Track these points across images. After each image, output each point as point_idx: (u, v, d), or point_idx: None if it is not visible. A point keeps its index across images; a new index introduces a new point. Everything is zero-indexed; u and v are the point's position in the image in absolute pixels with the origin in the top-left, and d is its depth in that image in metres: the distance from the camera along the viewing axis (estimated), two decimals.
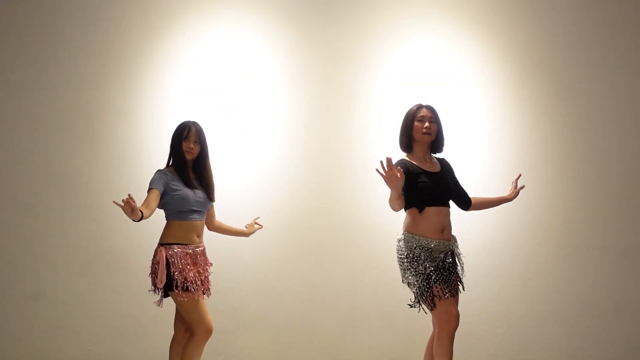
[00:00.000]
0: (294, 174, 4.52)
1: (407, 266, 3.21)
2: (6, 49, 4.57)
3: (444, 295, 3.15)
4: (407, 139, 3.37)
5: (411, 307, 3.25)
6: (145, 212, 3.12)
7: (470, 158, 4.49)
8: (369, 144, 4.51)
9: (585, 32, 4.57)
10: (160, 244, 3.32)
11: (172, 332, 3.46)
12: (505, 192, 3.69)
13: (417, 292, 3.17)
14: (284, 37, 4.62)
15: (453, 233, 3.38)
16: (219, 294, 4.41)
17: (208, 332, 3.31)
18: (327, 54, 4.60)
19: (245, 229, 3.81)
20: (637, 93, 4.53)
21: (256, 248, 4.47)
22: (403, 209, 3.27)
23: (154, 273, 3.30)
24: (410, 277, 3.21)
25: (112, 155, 4.52)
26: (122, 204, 3.00)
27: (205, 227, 3.56)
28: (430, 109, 3.38)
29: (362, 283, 4.45)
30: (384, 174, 3.02)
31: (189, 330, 3.35)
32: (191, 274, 3.27)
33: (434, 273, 3.16)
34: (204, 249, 3.44)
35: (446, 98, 4.52)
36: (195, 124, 3.42)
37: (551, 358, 4.41)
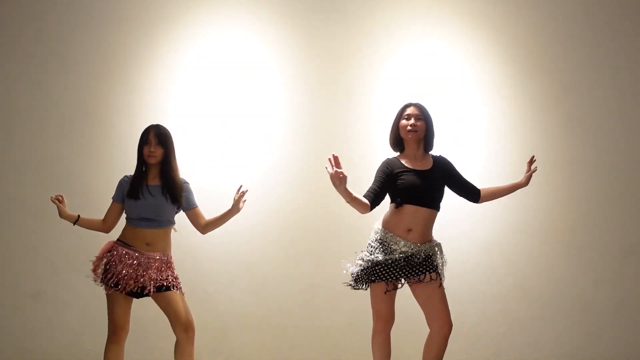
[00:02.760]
0: (294, 174, 4.52)
1: (365, 249, 3.36)
2: (5, 48, 4.56)
3: (383, 292, 3.30)
4: (395, 138, 3.41)
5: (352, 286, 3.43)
6: (85, 220, 3.45)
7: (471, 158, 4.49)
8: (369, 144, 4.51)
9: (587, 32, 4.57)
10: (117, 239, 3.39)
11: (172, 332, 3.45)
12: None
13: (357, 275, 3.35)
14: (284, 37, 4.61)
15: (437, 237, 3.38)
16: (219, 294, 4.42)
17: (113, 332, 3.30)
18: (327, 54, 4.59)
19: (231, 208, 3.48)
20: (639, 93, 4.53)
21: (256, 248, 4.47)
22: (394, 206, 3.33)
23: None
24: (362, 256, 3.35)
25: (112, 155, 4.51)
26: (57, 202, 3.40)
27: (192, 231, 3.55)
28: (417, 106, 3.37)
29: None
30: (331, 172, 3.03)
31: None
32: (123, 271, 3.27)
33: (377, 268, 3.27)
34: (162, 260, 3.36)
35: (446, 98, 4.52)
36: (156, 126, 3.37)
37: (551, 358, 4.42)
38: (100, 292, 4.25)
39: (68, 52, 4.57)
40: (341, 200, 4.72)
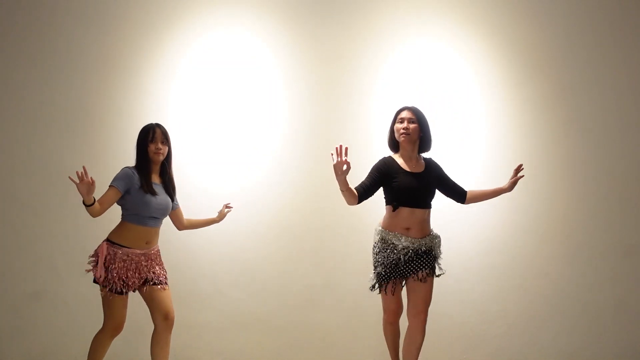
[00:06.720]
0: (295, 174, 4.52)
1: (374, 256, 3.49)
2: (6, 48, 4.57)
3: (389, 293, 3.44)
4: (391, 140, 3.55)
5: (371, 289, 3.53)
6: (96, 205, 3.17)
7: (470, 158, 4.49)
8: (369, 144, 4.51)
9: (587, 32, 4.57)
10: (107, 240, 3.29)
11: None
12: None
13: (375, 278, 3.48)
14: (285, 37, 4.61)
15: (438, 231, 3.53)
16: (219, 294, 4.43)
17: (115, 329, 3.33)
18: (328, 54, 4.59)
19: (216, 217, 3.74)
20: (638, 93, 4.53)
21: (256, 248, 4.48)
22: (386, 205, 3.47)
23: (94, 265, 3.28)
24: (375, 265, 3.48)
25: (112, 155, 4.51)
26: (77, 181, 3.05)
27: (176, 228, 3.61)
28: (412, 110, 3.48)
29: (362, 283, 4.43)
30: (337, 160, 3.12)
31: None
32: (128, 274, 3.28)
33: (388, 269, 3.40)
34: (154, 253, 3.40)
35: (446, 98, 4.53)
36: (159, 125, 3.40)
37: (551, 358, 4.42)
38: (99, 293, 4.25)
39: (69, 53, 4.57)
40: (341, 200, 4.73)
